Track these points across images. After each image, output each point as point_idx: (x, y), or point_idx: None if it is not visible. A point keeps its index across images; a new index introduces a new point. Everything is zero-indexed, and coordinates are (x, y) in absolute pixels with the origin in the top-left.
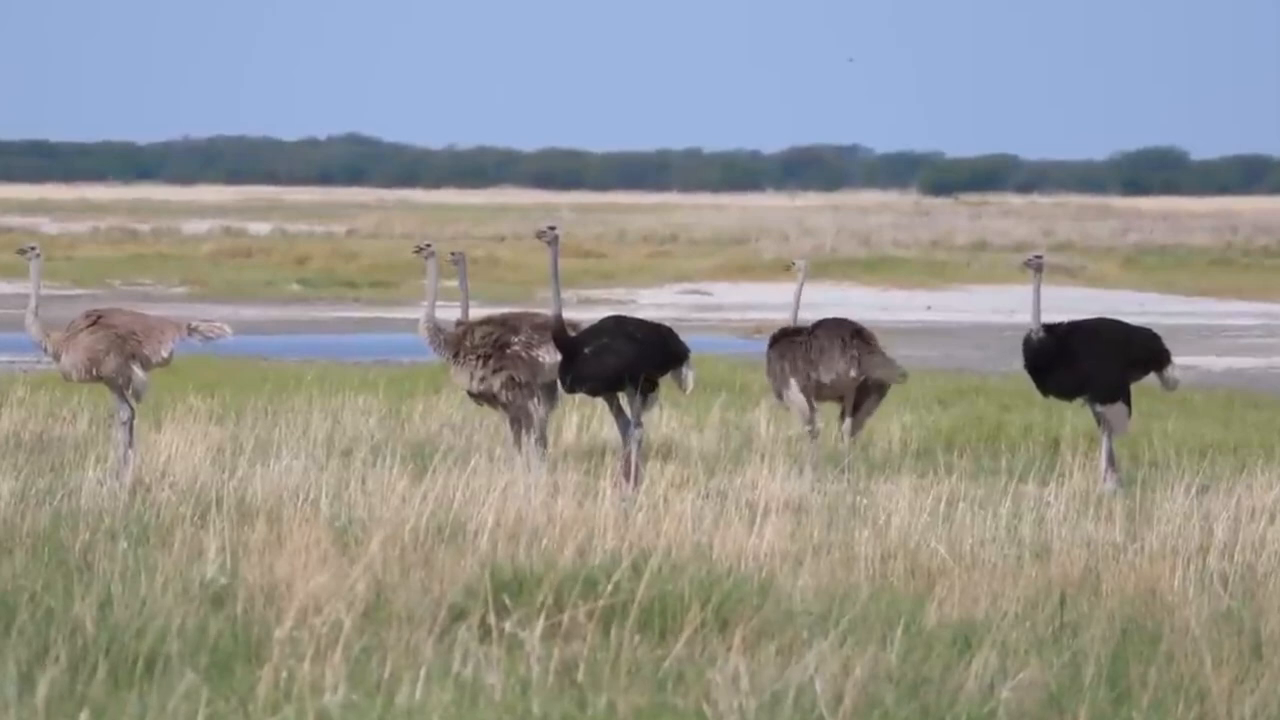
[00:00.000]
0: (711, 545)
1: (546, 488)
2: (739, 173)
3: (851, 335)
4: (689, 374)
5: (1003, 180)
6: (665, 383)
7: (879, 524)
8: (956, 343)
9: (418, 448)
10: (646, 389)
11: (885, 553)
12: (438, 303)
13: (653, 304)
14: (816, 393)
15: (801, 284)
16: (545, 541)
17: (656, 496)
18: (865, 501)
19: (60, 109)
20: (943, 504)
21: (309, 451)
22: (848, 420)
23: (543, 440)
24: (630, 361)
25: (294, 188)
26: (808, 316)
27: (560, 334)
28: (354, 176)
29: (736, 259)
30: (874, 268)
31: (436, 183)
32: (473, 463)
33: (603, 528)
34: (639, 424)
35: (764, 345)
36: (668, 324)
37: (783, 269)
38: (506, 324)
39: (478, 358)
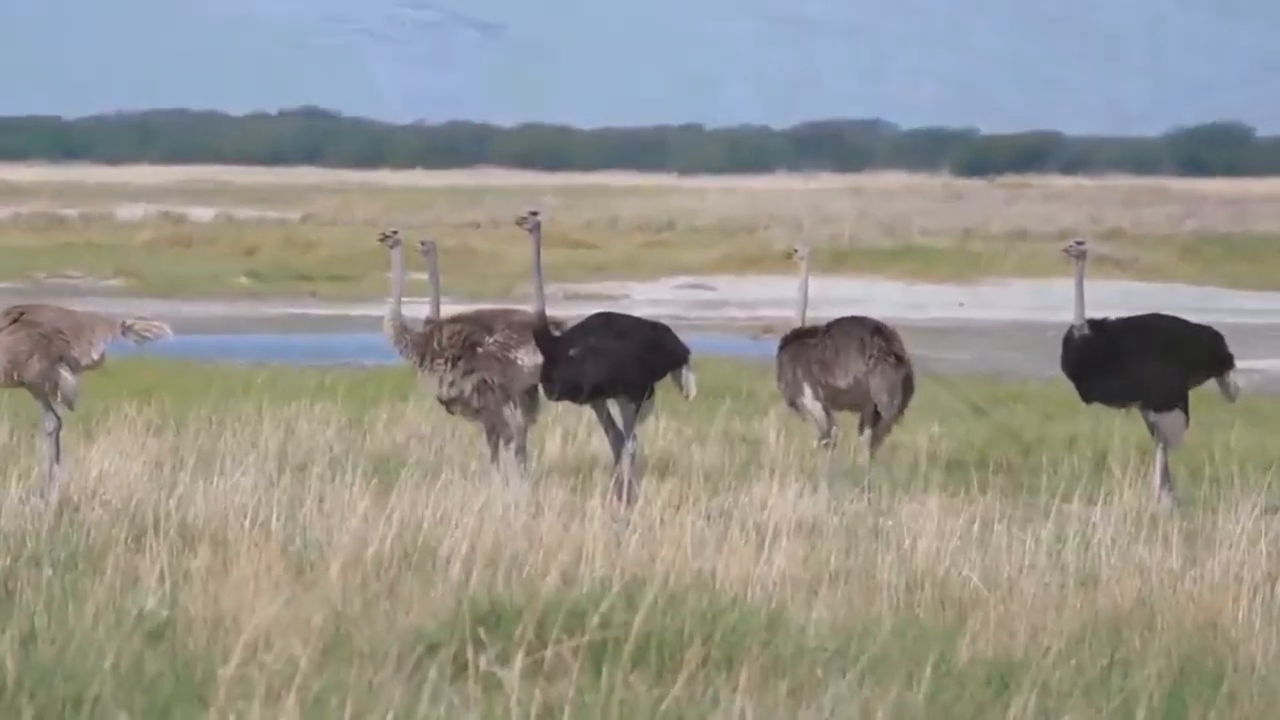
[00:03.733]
0: (714, 572)
1: (528, 507)
2: (746, 152)
3: (871, 334)
4: (690, 378)
5: (1045, 160)
6: (663, 388)
7: (904, 548)
8: (992, 343)
9: (382, 461)
10: (641, 396)
11: (911, 581)
12: (405, 298)
13: (648, 300)
14: (833, 400)
15: (806, 275)
16: (526, 568)
17: (652, 517)
18: (888, 523)
19: None
20: (976, 526)
21: (259, 466)
22: (868, 431)
23: (523, 453)
24: (621, 365)
25: (241, 168)
26: (824, 315)
27: (542, 334)
28: (309, 156)
29: (743, 249)
30: (899, 259)
31: (403, 163)
32: (444, 479)
33: (591, 552)
34: (632, 436)
35: (774, 347)
36: (665, 322)
37: (790, 260)
38: (479, 322)
39: (446, 360)
